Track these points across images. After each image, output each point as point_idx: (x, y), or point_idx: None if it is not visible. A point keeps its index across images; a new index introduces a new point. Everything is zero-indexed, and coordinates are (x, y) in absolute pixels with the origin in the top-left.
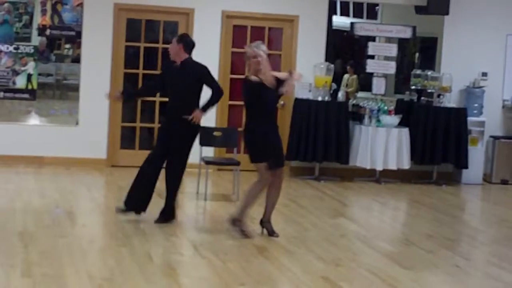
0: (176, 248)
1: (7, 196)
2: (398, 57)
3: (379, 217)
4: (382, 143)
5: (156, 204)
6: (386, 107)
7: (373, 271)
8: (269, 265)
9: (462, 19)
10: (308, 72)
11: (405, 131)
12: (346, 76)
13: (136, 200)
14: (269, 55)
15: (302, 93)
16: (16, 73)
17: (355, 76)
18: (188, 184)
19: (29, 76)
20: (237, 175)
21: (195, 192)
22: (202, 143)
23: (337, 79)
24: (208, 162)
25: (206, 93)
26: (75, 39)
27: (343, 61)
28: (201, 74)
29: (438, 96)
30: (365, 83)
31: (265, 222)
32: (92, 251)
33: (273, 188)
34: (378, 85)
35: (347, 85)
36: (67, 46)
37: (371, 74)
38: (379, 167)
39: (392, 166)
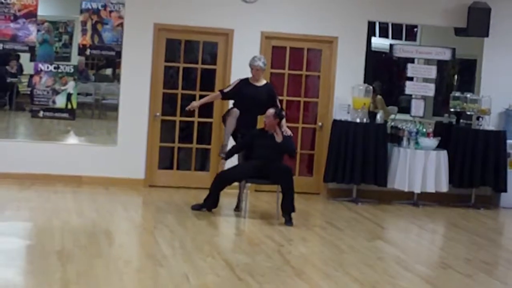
0: (212, 269)
1: (46, 215)
2: (437, 79)
3: (417, 240)
4: (420, 165)
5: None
6: (424, 130)
7: None
8: (306, 287)
9: (502, 41)
10: (346, 93)
11: (444, 154)
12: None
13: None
14: (307, 76)
15: (341, 115)
16: (56, 92)
17: (379, 97)
18: (225, 205)
19: (69, 96)
20: (278, 196)
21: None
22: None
23: None
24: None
25: None
26: (115, 59)
27: (381, 82)
28: None
29: (477, 118)
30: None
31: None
32: (129, 271)
33: None
34: (417, 107)
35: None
36: (107, 65)
37: (410, 95)
38: (417, 190)
39: (430, 189)
